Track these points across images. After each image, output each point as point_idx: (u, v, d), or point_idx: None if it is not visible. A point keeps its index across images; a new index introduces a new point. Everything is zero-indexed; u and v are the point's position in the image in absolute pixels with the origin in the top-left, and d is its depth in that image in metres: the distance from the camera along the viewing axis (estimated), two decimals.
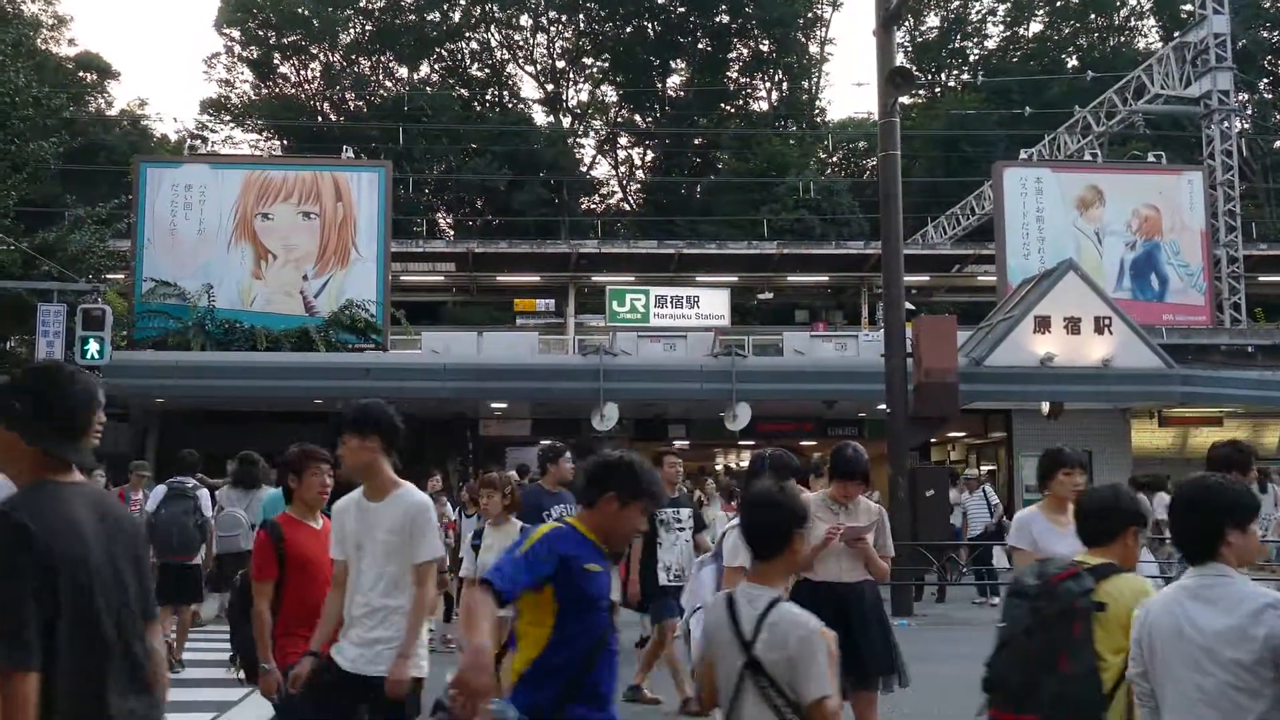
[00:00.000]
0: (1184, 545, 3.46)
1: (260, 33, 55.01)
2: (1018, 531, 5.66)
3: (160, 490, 11.11)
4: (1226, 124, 32.21)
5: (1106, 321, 21.21)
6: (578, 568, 3.69)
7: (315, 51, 56.34)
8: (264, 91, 56.27)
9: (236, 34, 55.09)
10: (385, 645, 4.51)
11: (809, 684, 3.41)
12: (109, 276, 26.25)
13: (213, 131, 54.71)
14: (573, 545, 3.75)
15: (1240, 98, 39.93)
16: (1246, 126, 43.96)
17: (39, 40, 43.80)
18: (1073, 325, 21.11)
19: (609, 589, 3.83)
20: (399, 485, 4.69)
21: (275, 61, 56.24)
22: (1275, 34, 56.16)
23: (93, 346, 19.27)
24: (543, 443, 8.86)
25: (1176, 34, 38.37)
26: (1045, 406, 21.02)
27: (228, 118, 55.63)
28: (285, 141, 52.83)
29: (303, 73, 57.20)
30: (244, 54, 55.75)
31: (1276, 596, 3.26)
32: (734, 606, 3.60)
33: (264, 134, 54.87)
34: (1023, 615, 3.81)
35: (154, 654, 2.93)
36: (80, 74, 49.57)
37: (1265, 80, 54.91)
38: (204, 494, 11.00)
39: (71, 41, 49.85)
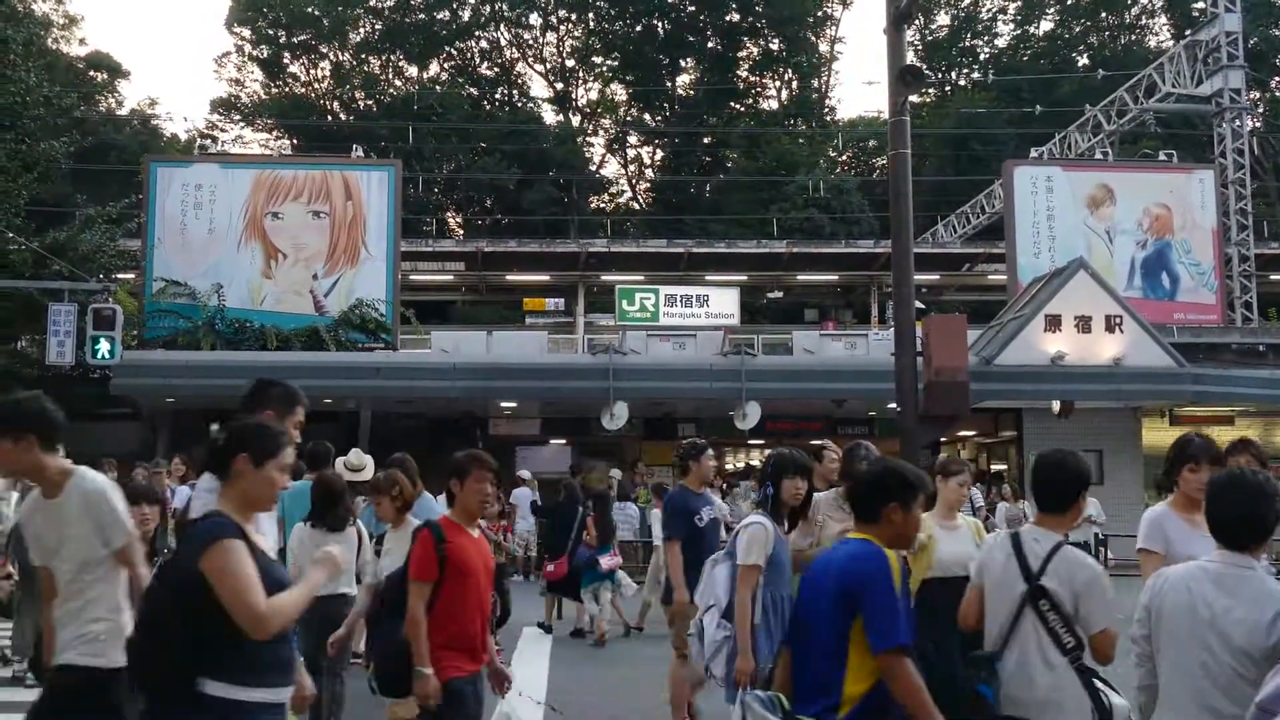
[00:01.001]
0: (1218, 532, 3.68)
1: (270, 32, 55.09)
2: (1149, 531, 4.93)
3: (185, 491, 10.91)
4: (1238, 122, 32.10)
5: (1117, 320, 21.15)
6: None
7: (325, 50, 56.40)
8: (274, 90, 56.36)
9: (247, 33, 55.18)
10: (97, 634, 4.21)
11: (1094, 616, 4.07)
12: (119, 276, 26.33)
13: (223, 131, 54.80)
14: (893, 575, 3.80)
15: (1252, 96, 39.86)
16: (1258, 125, 43.82)
17: (49, 40, 43.94)
18: (1083, 324, 21.06)
19: None
20: (71, 474, 4.30)
21: (285, 60, 56.34)
22: None
23: (103, 346, 19.33)
24: (684, 440, 8.06)
25: (1188, 32, 38.25)
26: (1056, 405, 20.97)
27: (238, 117, 55.75)
28: (295, 141, 52.91)
29: (313, 72, 57.29)
30: (254, 53, 55.85)
31: None
32: (1020, 544, 4.22)
33: (274, 133, 54.97)
34: None
35: None
36: (91, 73, 49.69)
37: (1277, 79, 54.72)
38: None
39: (82, 41, 50.07)
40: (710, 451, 7.89)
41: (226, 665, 3.42)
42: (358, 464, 9.23)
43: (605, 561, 12.78)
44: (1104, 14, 58.52)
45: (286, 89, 56.56)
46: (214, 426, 4.38)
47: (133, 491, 5.32)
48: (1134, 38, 58.52)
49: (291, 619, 3.55)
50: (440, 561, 4.88)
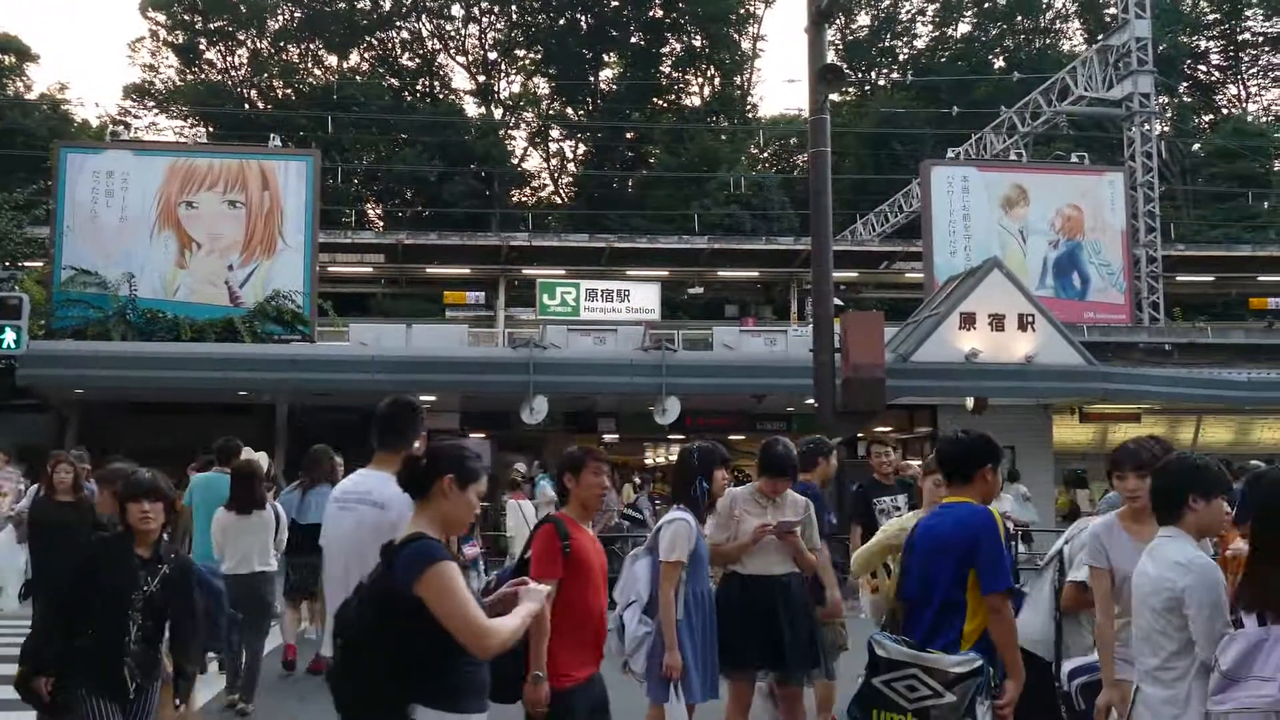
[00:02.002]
0: (1155, 508, 4.16)
1: (186, 17, 54.08)
2: (1092, 546, 4.86)
3: None
4: (1147, 126, 32.87)
5: (1030, 319, 21.53)
6: None
7: (242, 38, 55.49)
8: (189, 78, 55.32)
9: (162, 18, 54.10)
10: None
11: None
12: (27, 264, 25.64)
13: (136, 118, 53.77)
14: None
15: (1160, 101, 40.83)
16: (1166, 129, 45.00)
17: None
18: (997, 322, 21.40)
19: None
20: None
21: (201, 47, 55.34)
22: (1195, 39, 57.49)
23: (8, 335, 18.84)
24: (806, 438, 7.71)
25: (1100, 37, 39.09)
26: (970, 402, 21.29)
27: (152, 104, 54.63)
28: (211, 129, 52.00)
29: (229, 59, 56.33)
30: (169, 39, 54.80)
31: (1191, 556, 3.86)
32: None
33: (189, 121, 53.98)
34: None
35: None
36: None
37: (1185, 84, 56.19)
38: None
39: None
40: (835, 452, 7.91)
41: (436, 691, 3.48)
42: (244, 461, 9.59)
43: (467, 550, 12.86)
44: (1019, 17, 59.64)
45: (202, 76, 55.56)
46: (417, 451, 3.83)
47: (133, 485, 4.95)
48: (1048, 41, 59.71)
49: (509, 642, 3.58)
50: (563, 559, 4.69)
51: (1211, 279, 38.81)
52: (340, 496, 4.55)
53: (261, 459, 10.04)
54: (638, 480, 22.78)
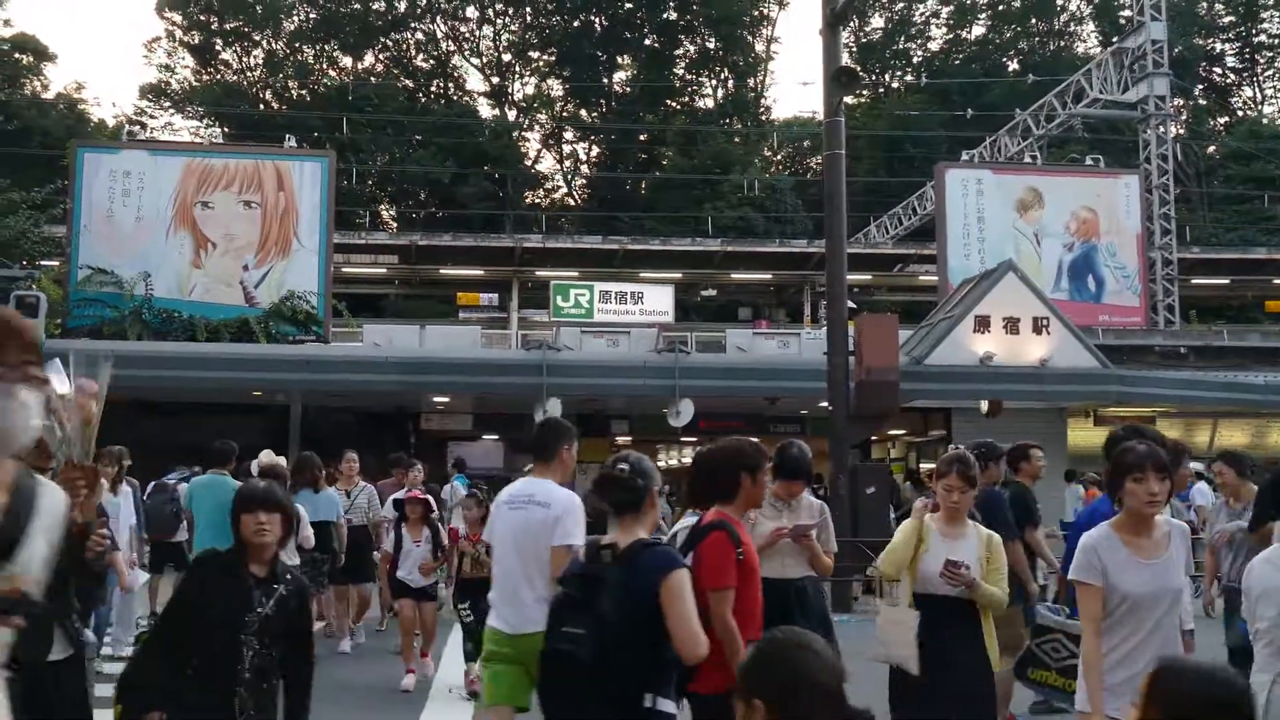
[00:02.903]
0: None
1: (202, 18, 54.27)
2: (1083, 560, 4.38)
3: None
4: (1162, 129, 32.77)
5: (1044, 322, 21.47)
6: None
7: (258, 38, 55.66)
8: (205, 78, 55.51)
9: (178, 18, 54.30)
10: None
11: None
12: (44, 263, 25.79)
13: (152, 118, 53.95)
14: None
15: (1176, 103, 40.70)
16: (1181, 132, 44.84)
17: None
18: (1011, 325, 21.35)
19: None
20: None
21: (217, 47, 55.52)
22: (1211, 41, 57.30)
23: None
24: (977, 441, 7.83)
25: (1115, 40, 38.99)
26: (984, 405, 21.23)
27: (168, 104, 54.82)
28: (226, 129, 52.15)
29: (245, 59, 56.50)
30: (185, 39, 54.98)
31: None
32: None
33: (205, 121, 54.16)
34: None
35: None
36: (16, 56, 48.55)
37: (1200, 86, 56.00)
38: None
39: (7, 23, 48.77)
40: (1040, 452, 8.47)
41: (667, 683, 3.94)
42: (269, 463, 10.08)
43: None
44: (1034, 20, 59.51)
45: (218, 76, 55.75)
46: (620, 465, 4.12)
47: (247, 494, 4.40)
48: (1063, 44, 59.57)
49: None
50: (737, 566, 4.49)
51: (1227, 281, 38.68)
52: (510, 499, 5.59)
53: (280, 462, 10.39)
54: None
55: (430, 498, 10.43)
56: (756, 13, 58.25)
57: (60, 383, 3.52)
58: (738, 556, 4.43)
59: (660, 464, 25.94)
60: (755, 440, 5.03)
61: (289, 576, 4.38)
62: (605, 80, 57.97)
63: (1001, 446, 7.99)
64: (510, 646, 5.30)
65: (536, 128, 59.43)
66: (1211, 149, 51.35)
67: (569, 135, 59.61)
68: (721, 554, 4.43)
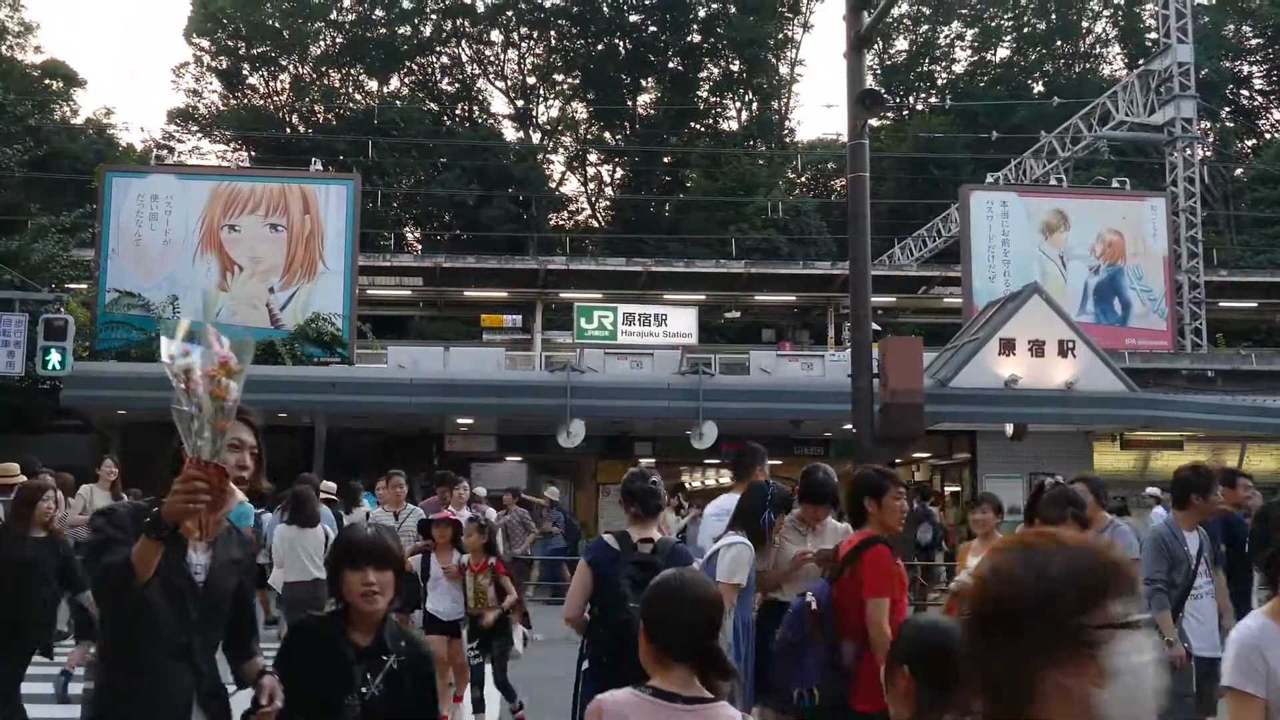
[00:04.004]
0: None
1: (230, 43, 54.78)
2: (1248, 661, 3.38)
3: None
4: (1189, 151, 32.62)
5: (1070, 345, 21.37)
6: None
7: (285, 63, 56.13)
8: (232, 102, 55.99)
9: (206, 44, 54.84)
10: None
11: None
12: (72, 286, 25.99)
13: (180, 142, 54.42)
14: None
15: (1202, 126, 40.50)
16: (1208, 154, 44.54)
17: (4, 47, 43.44)
18: (1037, 348, 21.26)
19: None
20: None
21: (244, 72, 56.01)
22: (1238, 64, 57.04)
23: (54, 357, 19.07)
24: (1186, 466, 7.56)
25: (1141, 62, 38.85)
26: (1009, 428, 21.14)
27: (195, 128, 55.33)
28: (253, 153, 52.56)
29: (272, 84, 56.99)
30: (213, 64, 55.49)
31: None
32: None
33: (232, 145, 54.58)
34: None
35: None
36: (46, 81, 49.07)
37: (1227, 109, 55.69)
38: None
39: (38, 49, 49.35)
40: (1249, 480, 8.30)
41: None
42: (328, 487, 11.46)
43: None
44: (1059, 42, 59.41)
45: (245, 101, 56.22)
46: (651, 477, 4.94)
47: (350, 547, 3.47)
48: (1088, 66, 59.41)
49: None
50: (896, 579, 4.82)
51: (1255, 305, 38.36)
52: (716, 511, 6.68)
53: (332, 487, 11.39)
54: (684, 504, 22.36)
55: (478, 519, 9.42)
56: (781, 35, 58.35)
57: (201, 356, 3.11)
58: (895, 569, 4.84)
59: (684, 484, 25.92)
60: (882, 466, 5.34)
61: (404, 643, 3.49)
62: (629, 103, 58.16)
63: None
64: None
65: (561, 150, 59.69)
66: (1239, 172, 51.05)
67: (593, 158, 59.82)
68: (883, 566, 4.84)
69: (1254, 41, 57.36)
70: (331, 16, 55.66)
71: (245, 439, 3.60)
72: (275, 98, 56.83)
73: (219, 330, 3.22)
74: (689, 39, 57.32)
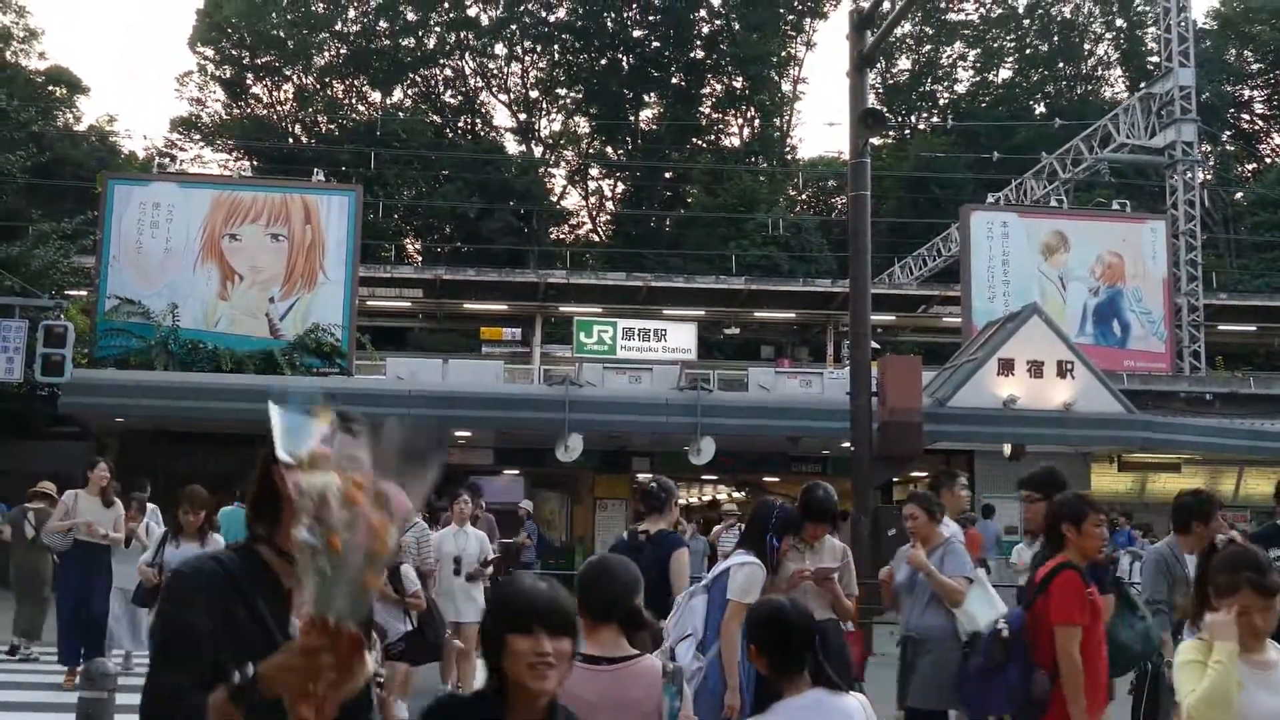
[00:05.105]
0: None
1: (234, 52, 54.89)
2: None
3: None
4: (1190, 174, 32.70)
5: (1069, 366, 21.38)
6: None
7: (289, 73, 56.25)
8: (235, 111, 56.08)
9: (210, 53, 54.94)
10: None
11: None
12: (72, 293, 25.97)
13: (182, 150, 54.47)
14: None
15: (1203, 149, 40.60)
16: (1209, 177, 44.69)
17: (8, 53, 43.46)
18: (1036, 369, 21.26)
19: None
20: None
21: (248, 82, 56.12)
22: (1239, 88, 57.22)
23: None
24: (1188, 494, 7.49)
25: (1142, 85, 38.99)
26: (1007, 448, 21.12)
27: (198, 137, 55.37)
28: (255, 162, 52.62)
29: (275, 94, 57.09)
30: (217, 73, 55.59)
31: None
32: None
33: (234, 154, 54.63)
34: None
35: None
36: (49, 88, 49.13)
37: (1228, 133, 55.84)
38: None
39: (42, 55, 49.36)
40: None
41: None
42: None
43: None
44: (1061, 64, 59.58)
45: (248, 110, 56.32)
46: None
47: (523, 606, 2.62)
48: (1090, 88, 59.58)
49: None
50: (1087, 606, 4.71)
51: (1254, 328, 38.40)
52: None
53: None
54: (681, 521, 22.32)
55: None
56: (784, 53, 58.54)
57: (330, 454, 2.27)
58: (1088, 596, 4.66)
59: (682, 501, 25.89)
60: (1082, 493, 5.39)
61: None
62: (631, 118, 58.29)
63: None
64: None
65: (562, 164, 59.78)
66: (1239, 195, 51.16)
67: (594, 172, 59.91)
68: (1073, 592, 4.68)
69: (1255, 66, 57.54)
70: (336, 28, 55.83)
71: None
72: (278, 108, 56.95)
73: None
74: (692, 55, 57.49)
